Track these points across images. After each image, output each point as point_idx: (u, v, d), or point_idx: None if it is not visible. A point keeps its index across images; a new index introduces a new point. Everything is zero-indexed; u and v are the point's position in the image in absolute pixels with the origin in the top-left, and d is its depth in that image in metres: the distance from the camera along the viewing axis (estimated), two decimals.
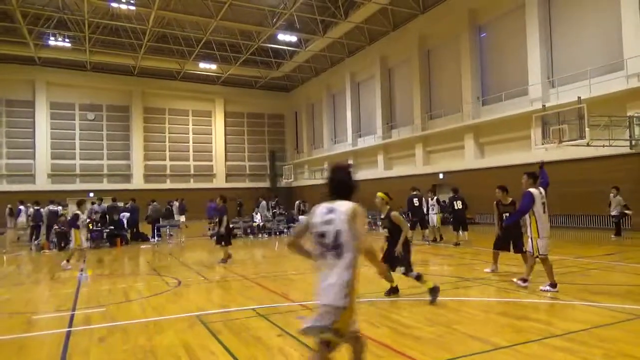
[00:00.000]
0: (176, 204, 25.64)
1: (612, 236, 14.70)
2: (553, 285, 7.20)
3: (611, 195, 14.99)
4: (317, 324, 3.01)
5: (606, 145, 15.92)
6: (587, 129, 14.88)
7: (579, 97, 15.66)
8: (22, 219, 20.59)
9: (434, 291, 6.80)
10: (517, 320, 5.82)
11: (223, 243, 12.29)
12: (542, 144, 16.92)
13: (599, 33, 18.58)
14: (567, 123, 15.80)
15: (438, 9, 25.96)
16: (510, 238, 9.03)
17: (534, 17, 20.49)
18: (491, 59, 23.81)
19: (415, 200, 15.27)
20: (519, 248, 8.87)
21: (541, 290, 7.27)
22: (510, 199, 9.32)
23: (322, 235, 3.16)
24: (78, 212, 11.97)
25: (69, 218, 12.13)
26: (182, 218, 26.32)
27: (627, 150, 16.40)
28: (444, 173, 25.35)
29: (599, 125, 15.68)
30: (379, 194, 7.34)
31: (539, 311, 6.38)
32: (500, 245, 9.28)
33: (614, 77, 17.37)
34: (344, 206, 3.14)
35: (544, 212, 7.32)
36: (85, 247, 12.35)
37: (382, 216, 7.26)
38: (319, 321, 3.01)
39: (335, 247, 3.10)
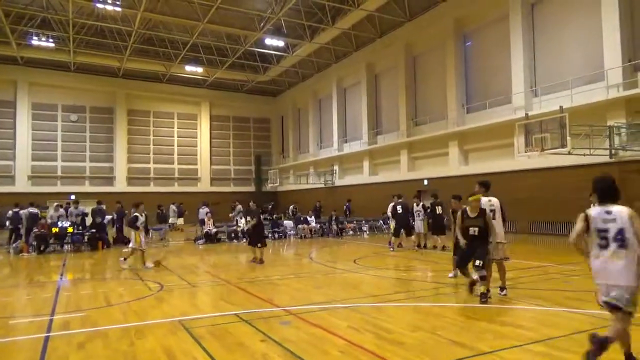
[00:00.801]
0: (173, 207, 25.29)
1: None
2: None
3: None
4: (615, 301, 4.03)
5: (587, 154, 16.21)
6: (568, 137, 15.12)
7: (560, 107, 15.93)
8: None
9: (484, 295, 7.16)
10: (499, 326, 5.88)
11: (259, 245, 12.83)
12: (525, 152, 17.17)
13: (581, 44, 18.98)
14: (549, 132, 16.04)
15: (424, 17, 26.25)
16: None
17: (517, 27, 20.85)
18: (476, 67, 24.14)
19: (399, 207, 15.38)
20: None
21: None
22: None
23: (604, 230, 4.15)
24: (137, 214, 12.41)
25: (130, 219, 12.48)
26: (180, 221, 26.03)
27: (607, 159, 16.73)
28: (429, 179, 25.54)
29: (580, 135, 15.97)
30: (474, 198, 7.36)
31: (520, 317, 6.45)
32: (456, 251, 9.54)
33: (595, 87, 17.75)
34: (622, 209, 4.12)
35: (494, 218, 7.53)
36: (145, 247, 12.59)
37: (473, 215, 7.39)
38: (617, 298, 4.02)
39: (620, 240, 4.04)
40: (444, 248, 14.51)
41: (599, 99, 17.27)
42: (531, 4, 20.88)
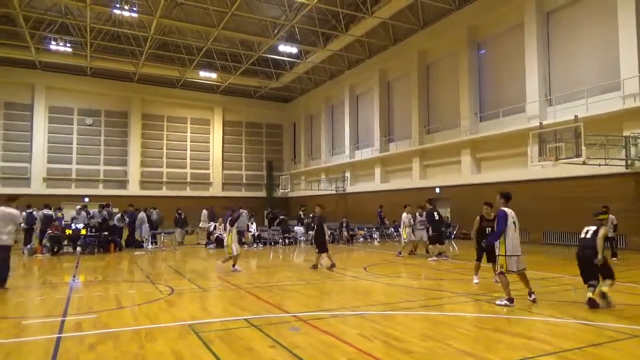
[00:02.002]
0: (205, 212, 25.35)
1: (613, 258, 14.26)
2: (510, 300, 7.54)
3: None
4: None
5: (602, 164, 16.00)
6: (583, 147, 14.95)
7: (575, 116, 15.77)
8: None
9: (600, 297, 7.31)
10: (511, 337, 5.80)
11: (326, 250, 12.93)
12: (539, 161, 17.01)
13: (597, 53, 18.80)
14: (563, 141, 15.88)
15: (438, 25, 26.22)
16: (484, 250, 9.67)
17: (532, 35, 20.72)
18: (489, 75, 24.01)
19: (436, 214, 15.29)
20: (492, 258, 9.48)
21: (497, 304, 7.57)
22: (494, 214, 9.49)
23: None
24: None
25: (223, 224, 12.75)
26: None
27: (622, 169, 16.50)
28: (441, 187, 25.40)
29: (596, 144, 15.77)
30: (606, 217, 7.64)
31: (532, 328, 6.35)
32: (480, 256, 9.91)
33: (610, 97, 17.55)
34: None
35: (515, 230, 7.66)
36: (237, 254, 12.43)
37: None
38: None
39: None
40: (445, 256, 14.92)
41: (615, 108, 17.05)
42: (546, 13, 20.75)
